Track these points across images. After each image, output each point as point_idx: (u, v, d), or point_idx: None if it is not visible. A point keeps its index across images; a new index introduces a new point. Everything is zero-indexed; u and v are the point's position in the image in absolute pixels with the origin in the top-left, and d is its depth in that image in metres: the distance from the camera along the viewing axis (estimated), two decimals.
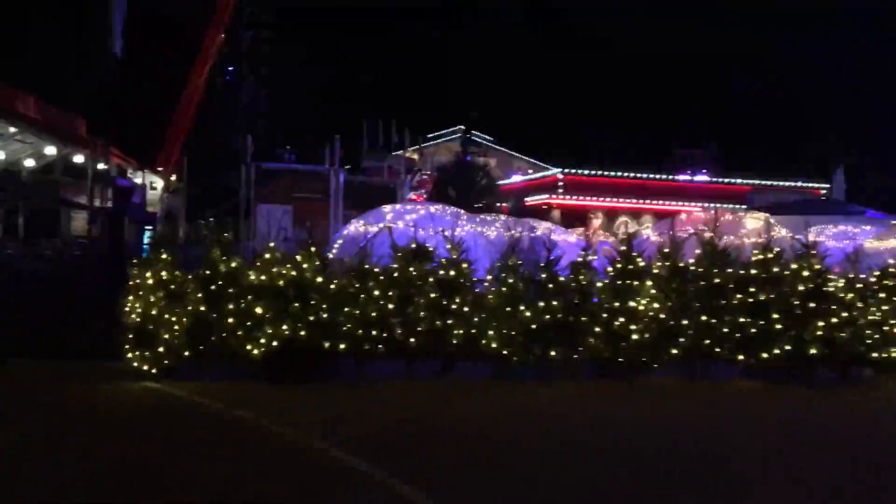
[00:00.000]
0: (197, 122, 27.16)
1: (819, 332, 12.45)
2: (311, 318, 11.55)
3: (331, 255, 14.60)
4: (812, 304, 12.55)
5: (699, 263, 12.79)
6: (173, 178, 25.54)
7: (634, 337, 12.20)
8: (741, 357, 12.65)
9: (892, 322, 12.99)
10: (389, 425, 9.07)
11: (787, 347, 12.46)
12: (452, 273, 12.25)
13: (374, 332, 11.81)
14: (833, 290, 12.67)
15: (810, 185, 45.76)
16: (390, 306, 11.91)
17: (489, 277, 12.52)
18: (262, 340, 11.44)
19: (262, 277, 11.75)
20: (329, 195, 22.98)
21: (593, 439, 8.59)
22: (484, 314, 12.21)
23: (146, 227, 22.04)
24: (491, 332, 12.09)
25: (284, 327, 11.45)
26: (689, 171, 46.51)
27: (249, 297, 11.65)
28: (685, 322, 12.44)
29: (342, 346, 11.66)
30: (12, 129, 17.49)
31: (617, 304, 12.34)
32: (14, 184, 19.02)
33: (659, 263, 12.75)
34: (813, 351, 12.43)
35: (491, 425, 9.23)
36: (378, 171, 30.85)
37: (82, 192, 19.26)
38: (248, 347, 11.46)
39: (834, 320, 12.53)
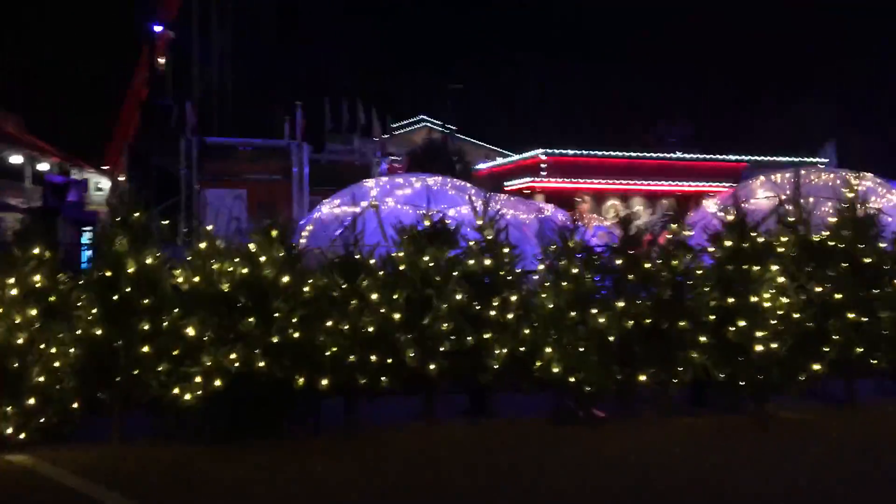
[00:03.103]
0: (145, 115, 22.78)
1: None
2: (275, 340, 7.35)
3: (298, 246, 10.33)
4: None
5: (838, 237, 8.84)
6: (122, 178, 21.29)
7: (759, 348, 8.20)
8: None
9: None
10: None
11: None
12: (488, 263, 8.13)
13: (372, 357, 7.64)
14: None
15: (810, 160, 42.36)
16: (396, 315, 7.75)
17: (541, 268, 8.42)
18: (198, 379, 7.19)
19: (196, 279, 7.48)
20: (291, 175, 18.63)
21: None
22: (537, 323, 8.13)
23: (84, 229, 18.18)
24: (549, 350, 8.01)
25: (233, 356, 7.23)
26: (677, 149, 43.05)
27: (176, 310, 7.39)
28: (831, 322, 8.48)
29: (324, 382, 7.47)
30: None
31: (731, 299, 8.33)
32: None
33: (784, 238, 8.76)
34: None
35: None
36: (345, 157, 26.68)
37: (20, 193, 15.25)
38: (177, 391, 7.20)
39: None
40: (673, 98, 52.13)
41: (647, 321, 8.22)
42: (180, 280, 7.48)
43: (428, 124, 49.95)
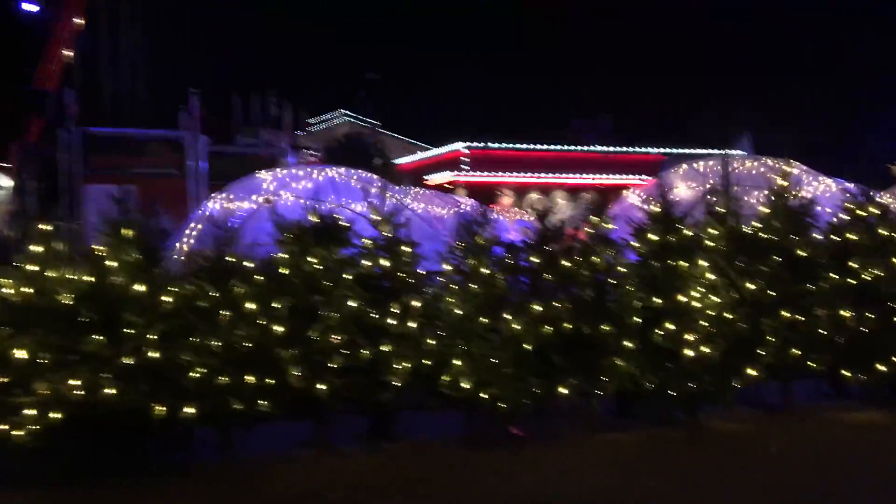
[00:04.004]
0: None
1: None
2: (129, 362, 6.11)
3: (183, 248, 9.18)
4: None
5: (769, 227, 8.10)
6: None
7: (689, 352, 7.39)
8: (846, 373, 8.09)
9: None
10: None
11: None
12: (386, 264, 7.05)
13: (248, 378, 6.47)
14: None
15: (729, 152, 42.70)
16: (277, 328, 6.61)
17: (447, 268, 7.40)
18: (32, 411, 5.90)
19: (28, 290, 6.17)
20: (187, 169, 17.12)
21: None
22: (443, 332, 7.10)
23: None
24: (457, 362, 6.99)
25: (76, 381, 5.96)
26: (596, 143, 42.90)
27: (3, 327, 6.08)
28: (765, 322, 7.73)
29: (190, 409, 6.26)
30: None
31: (658, 299, 7.49)
32: None
33: (713, 231, 7.98)
34: None
35: None
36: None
37: None
38: (5, 427, 5.90)
39: None
40: (593, 93, 52.19)
41: (567, 326, 7.30)
42: (7, 292, 6.15)
43: (350, 119, 48.65)
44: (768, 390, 8.17)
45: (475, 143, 39.53)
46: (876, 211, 8.43)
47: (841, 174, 11.76)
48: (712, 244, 7.84)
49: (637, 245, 7.82)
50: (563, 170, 40.49)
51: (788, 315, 7.81)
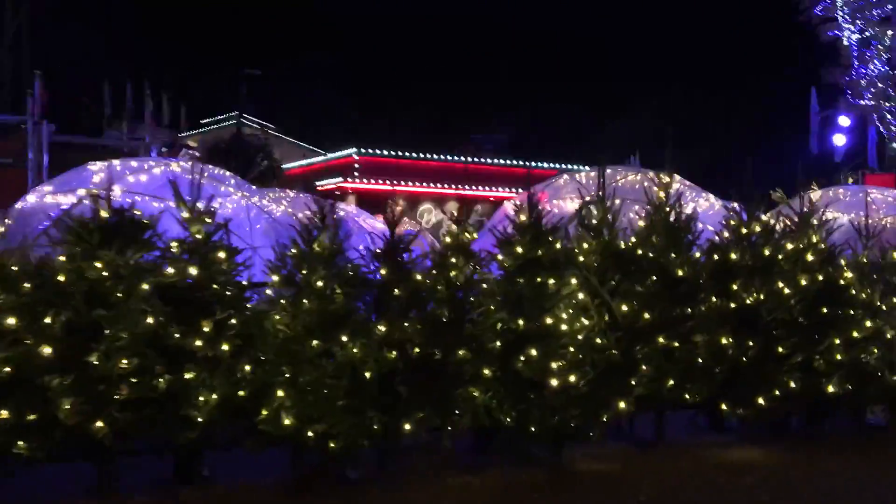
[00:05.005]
0: None
1: (838, 356, 7.44)
2: None
3: None
4: (825, 310, 7.53)
5: (647, 243, 7.30)
6: None
7: (554, 382, 6.46)
8: (724, 406, 7.35)
9: None
10: None
11: (792, 385, 7.34)
12: (195, 271, 5.80)
13: (2, 413, 5.09)
14: (850, 286, 7.70)
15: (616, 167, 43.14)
16: (46, 349, 5.25)
17: (274, 279, 6.20)
18: None
19: None
20: (26, 160, 15.21)
21: None
22: (268, 356, 5.91)
23: None
24: (280, 393, 5.81)
25: None
26: (493, 157, 42.60)
27: None
28: (639, 349, 6.90)
29: None
30: None
31: (521, 321, 6.53)
32: None
33: (585, 245, 7.10)
34: (832, 388, 7.40)
35: None
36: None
37: None
38: None
39: (855, 334, 7.58)
40: (491, 107, 52.02)
41: (416, 350, 6.24)
42: None
43: (245, 121, 46.53)
44: (641, 423, 7.37)
45: (367, 150, 38.41)
46: (759, 229, 7.80)
47: (728, 197, 11.36)
48: (584, 259, 6.97)
49: (502, 258, 6.87)
50: (456, 181, 39.87)
51: (664, 341, 7.02)
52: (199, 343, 5.65)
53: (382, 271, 6.42)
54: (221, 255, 5.87)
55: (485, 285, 6.71)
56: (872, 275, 8.10)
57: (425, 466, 6.46)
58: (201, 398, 5.61)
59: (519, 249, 6.78)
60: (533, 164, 41.87)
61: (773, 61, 43.30)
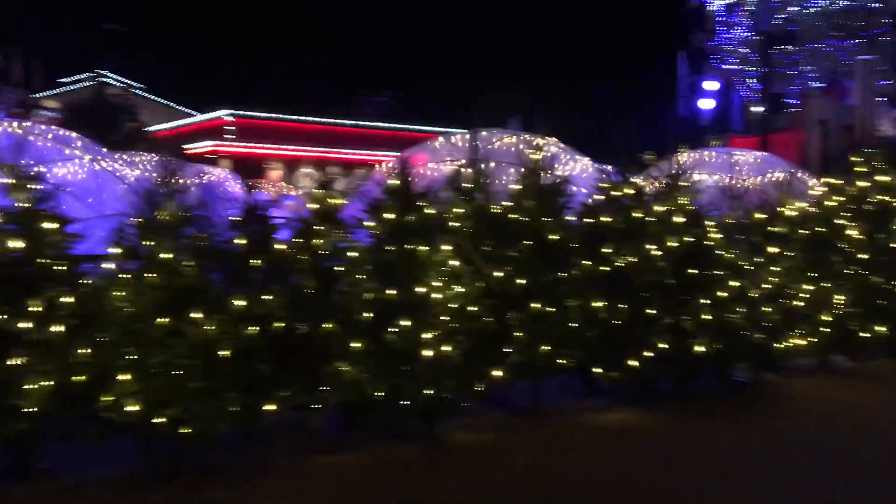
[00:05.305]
0: None
1: (706, 316, 7.55)
2: None
3: None
4: (693, 271, 7.61)
5: (519, 207, 7.12)
6: None
7: (428, 353, 6.21)
8: (597, 370, 7.33)
9: (791, 291, 8.58)
10: None
11: (661, 346, 7.40)
12: (19, 245, 5.14)
13: None
14: (716, 247, 7.82)
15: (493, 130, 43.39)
16: None
17: (116, 251, 5.61)
18: None
19: None
20: None
21: None
22: (106, 336, 5.34)
23: None
24: (124, 377, 5.27)
25: None
26: (376, 120, 41.86)
27: None
28: (513, 315, 6.73)
29: None
30: None
31: (392, 291, 6.22)
32: None
33: (457, 209, 6.84)
34: (700, 348, 7.52)
35: None
36: None
37: None
38: None
39: (722, 294, 7.72)
40: (376, 70, 51.22)
41: (279, 325, 5.83)
42: None
43: (109, 80, 43.63)
44: (516, 390, 7.26)
45: (240, 112, 36.95)
46: (630, 191, 7.77)
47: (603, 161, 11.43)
48: (457, 225, 6.71)
49: (372, 225, 6.51)
50: (335, 144, 39.03)
51: (538, 307, 6.89)
52: (26, 325, 5.02)
53: (239, 241, 5.95)
54: (51, 225, 5.22)
55: (352, 254, 6.35)
56: (737, 235, 8.27)
57: (293, 447, 6.09)
58: (32, 385, 5.00)
59: (388, 215, 6.45)
60: (416, 127, 41.55)
61: (645, 27, 44.49)
